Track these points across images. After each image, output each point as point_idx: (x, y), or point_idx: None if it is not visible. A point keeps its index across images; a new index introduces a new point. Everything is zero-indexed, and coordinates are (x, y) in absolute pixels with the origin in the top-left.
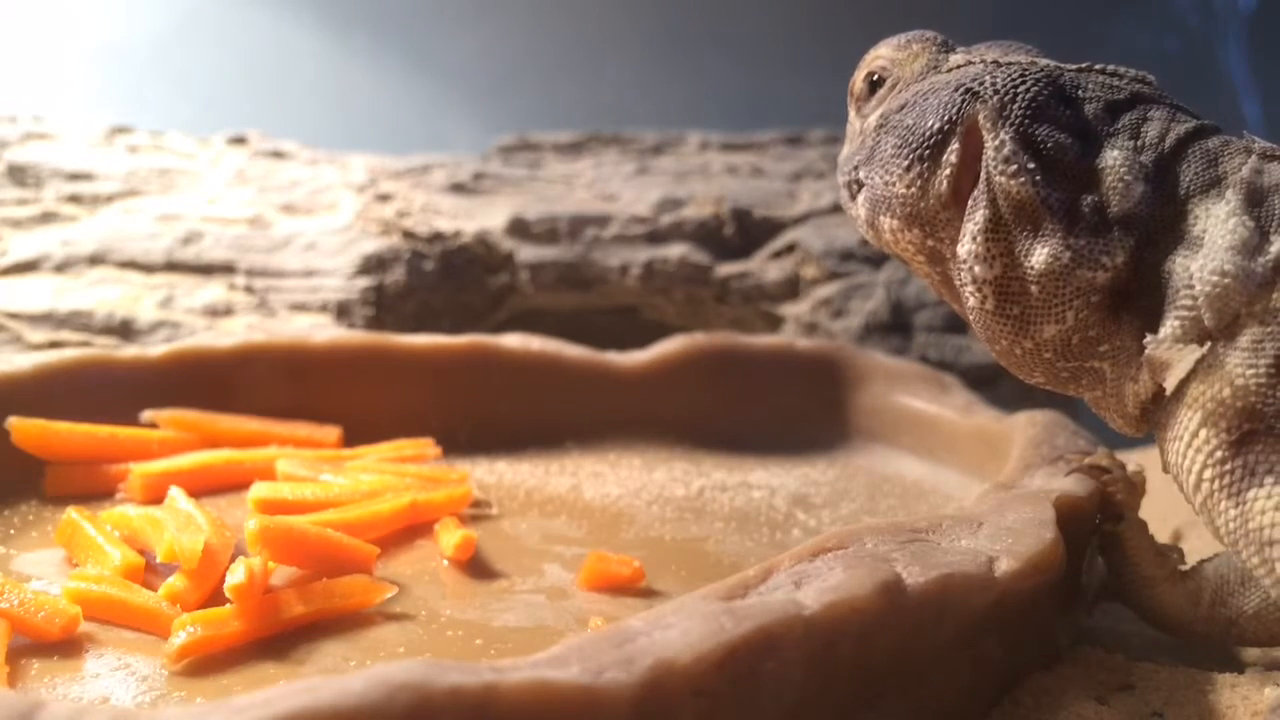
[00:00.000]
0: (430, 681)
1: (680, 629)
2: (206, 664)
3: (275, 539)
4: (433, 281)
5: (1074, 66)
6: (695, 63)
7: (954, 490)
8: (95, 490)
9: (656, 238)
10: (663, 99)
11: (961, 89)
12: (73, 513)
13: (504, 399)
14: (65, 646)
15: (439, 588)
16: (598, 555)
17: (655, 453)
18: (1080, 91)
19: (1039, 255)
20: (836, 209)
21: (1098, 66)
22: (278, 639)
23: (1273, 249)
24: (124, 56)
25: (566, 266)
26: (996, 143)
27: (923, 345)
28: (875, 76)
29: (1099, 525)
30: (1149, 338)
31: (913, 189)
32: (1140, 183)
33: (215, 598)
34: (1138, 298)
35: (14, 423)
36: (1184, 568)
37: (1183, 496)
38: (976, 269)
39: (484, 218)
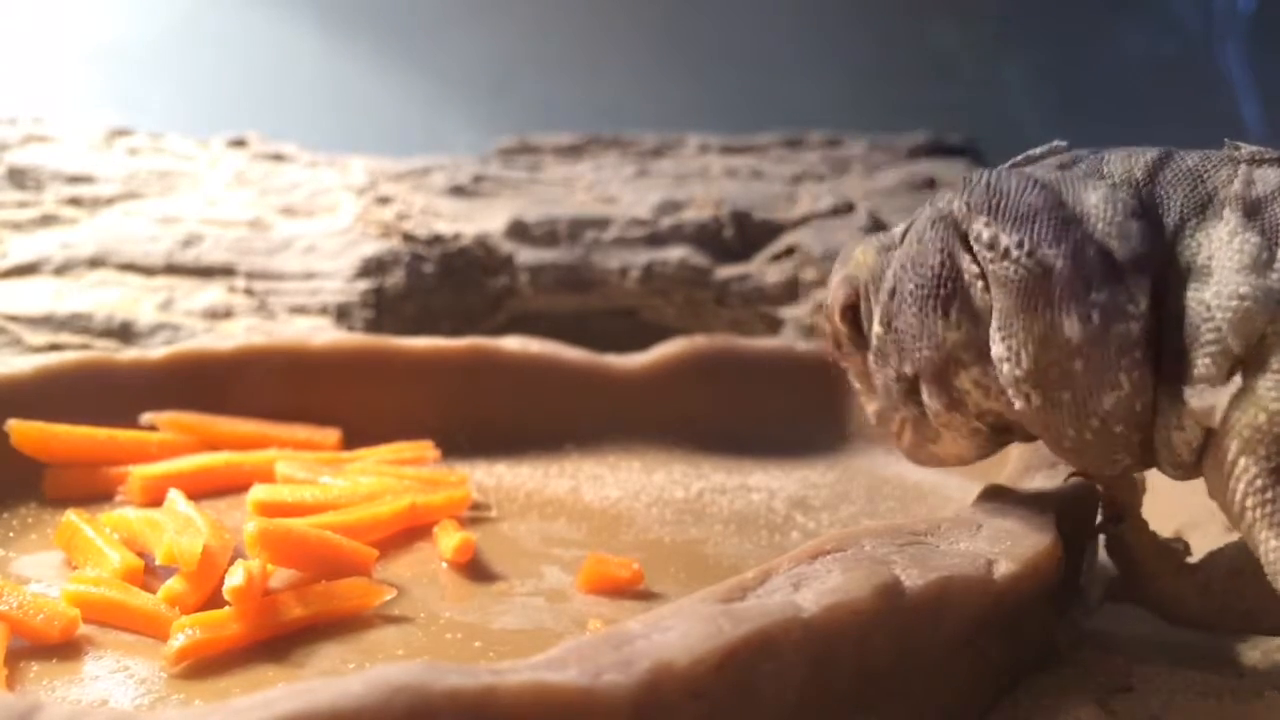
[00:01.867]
0: (429, 684)
1: (679, 631)
2: (205, 666)
3: (274, 541)
4: (432, 284)
5: (991, 169)
6: (695, 66)
7: (953, 493)
8: (94, 493)
9: (656, 240)
10: (662, 102)
11: (932, 224)
12: (72, 515)
13: (503, 401)
14: (64, 649)
15: (438, 590)
16: (597, 557)
17: (655, 455)
18: (1026, 166)
19: (1068, 327)
20: (836, 211)
21: (1010, 162)
22: (277, 641)
23: None
24: (124, 58)
25: (566, 269)
26: (975, 233)
27: None
28: (845, 308)
29: (1102, 526)
30: (1186, 390)
31: (963, 326)
32: (1132, 219)
33: (214, 600)
34: (1162, 342)
35: (13, 425)
36: (1191, 560)
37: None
38: (1008, 369)
39: (484, 220)
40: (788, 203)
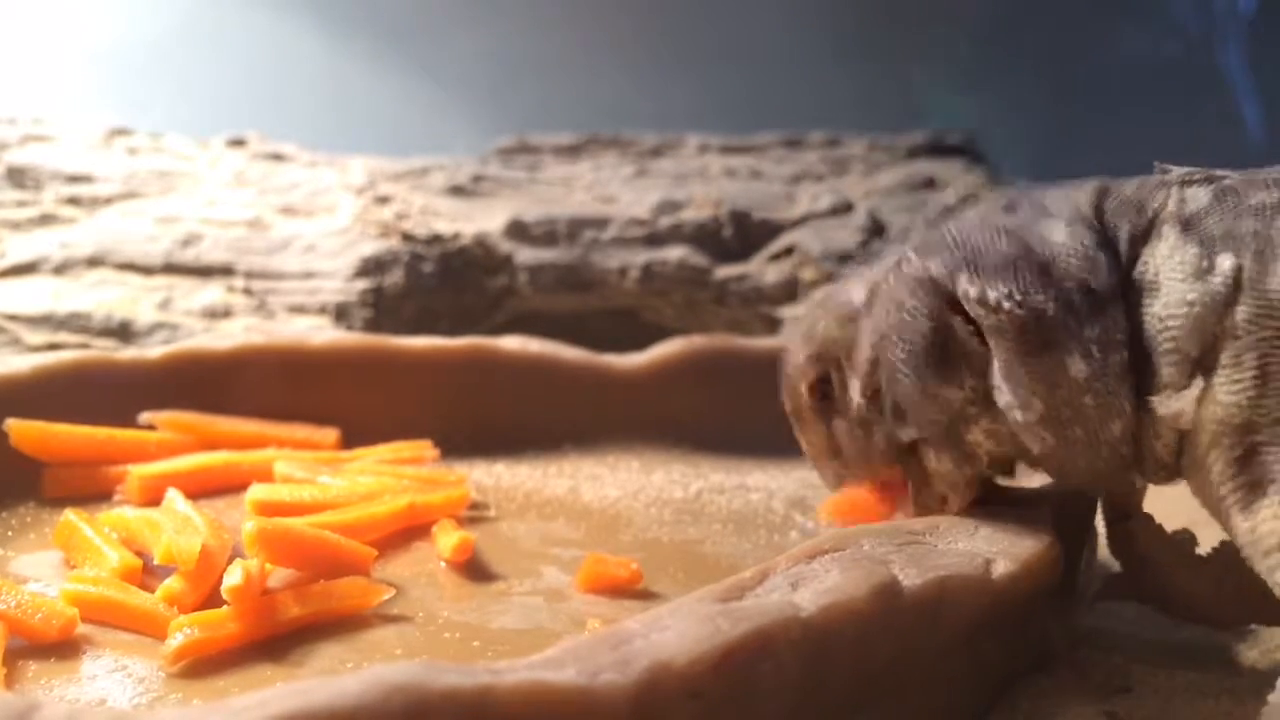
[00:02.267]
0: (426, 683)
1: (677, 631)
2: (203, 666)
3: (273, 541)
4: (431, 284)
5: (936, 230)
6: (694, 66)
7: None
8: (93, 492)
9: (655, 240)
10: (662, 102)
11: (906, 289)
12: (70, 514)
13: (502, 401)
14: (62, 648)
15: (436, 590)
16: (595, 557)
17: (653, 455)
18: (983, 218)
19: (1074, 367)
20: (835, 211)
21: (940, 214)
22: (275, 641)
23: (1222, 265)
24: (124, 58)
25: (565, 269)
26: (962, 292)
27: None
28: (815, 379)
29: (1109, 525)
30: (1154, 400)
31: (967, 384)
32: (1098, 250)
33: (213, 599)
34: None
35: (12, 424)
36: (1201, 552)
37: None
38: (1019, 416)
39: (483, 220)
40: (787, 203)
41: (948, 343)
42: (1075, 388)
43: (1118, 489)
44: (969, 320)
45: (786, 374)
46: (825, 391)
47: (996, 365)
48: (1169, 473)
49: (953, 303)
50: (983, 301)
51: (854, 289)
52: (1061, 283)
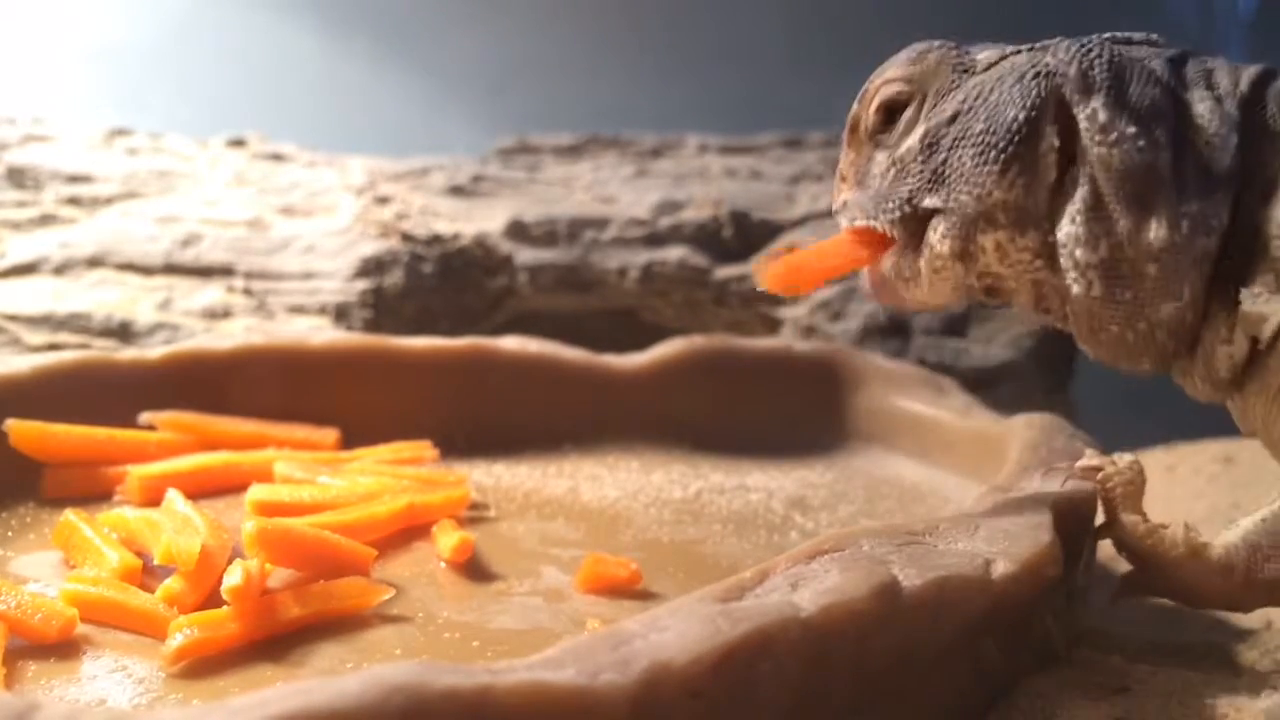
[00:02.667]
0: (426, 683)
1: (676, 631)
2: (203, 666)
3: (273, 541)
4: (431, 284)
5: (1097, 37)
6: (694, 66)
7: (952, 493)
8: (93, 492)
9: (655, 240)
10: (662, 102)
11: (1030, 74)
12: (70, 515)
13: (502, 401)
14: (62, 648)
15: (436, 590)
16: (595, 557)
17: (653, 455)
18: (1134, 52)
19: (1156, 230)
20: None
21: (1114, 35)
22: (275, 641)
23: None
24: (124, 58)
25: (565, 269)
26: (1089, 112)
27: (921, 348)
28: (891, 103)
29: (1104, 526)
30: (1244, 293)
31: (1015, 190)
32: (1233, 134)
33: (212, 600)
34: (1228, 255)
35: (12, 425)
36: (1203, 542)
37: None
38: (1079, 253)
39: (483, 220)
40: (786, 203)
41: (1028, 142)
42: (1146, 251)
43: (1129, 369)
44: (1062, 137)
45: (870, 81)
46: (891, 118)
47: (1080, 194)
48: (1217, 389)
49: (1060, 113)
50: (1105, 129)
51: (986, 51)
52: (1186, 152)
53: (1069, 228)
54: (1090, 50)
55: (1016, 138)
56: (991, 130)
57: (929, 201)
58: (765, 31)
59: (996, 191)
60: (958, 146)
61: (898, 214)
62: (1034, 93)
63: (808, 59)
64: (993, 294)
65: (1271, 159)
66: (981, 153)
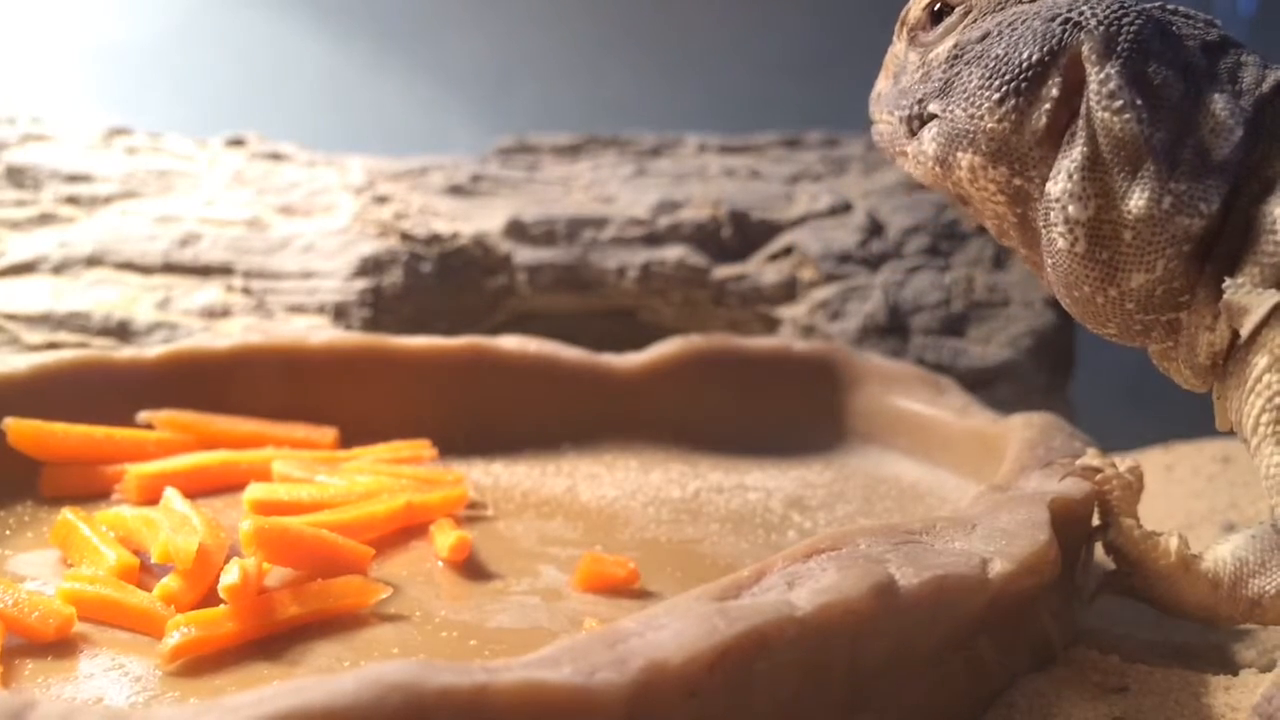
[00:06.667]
0: (422, 682)
1: (673, 630)
2: (200, 664)
3: (270, 540)
4: (430, 283)
5: (1155, 4)
6: (693, 66)
7: (950, 492)
8: (91, 491)
9: (654, 240)
10: (661, 102)
11: (1060, 19)
12: (68, 513)
13: (501, 401)
14: (59, 647)
15: (434, 589)
16: (593, 556)
17: (651, 454)
18: (1176, 29)
19: (1138, 199)
20: (834, 211)
21: (1170, 6)
22: (272, 640)
23: None
24: (123, 58)
25: (564, 268)
26: (1101, 76)
27: (919, 347)
28: (940, 4)
29: (1099, 529)
30: (1228, 282)
31: (1004, 123)
32: (1240, 127)
33: (210, 598)
34: (1219, 244)
35: (10, 423)
36: (1193, 554)
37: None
38: (1071, 209)
39: (482, 220)
40: (785, 202)
41: (1033, 84)
42: (1124, 217)
43: (1100, 333)
44: (1065, 90)
45: None
46: (937, 19)
47: (1077, 153)
48: (1196, 375)
49: (1071, 67)
50: (1113, 96)
51: None
52: (1183, 130)
53: (1064, 183)
54: (1124, 16)
55: (1022, 76)
56: (1006, 59)
57: (933, 107)
58: (765, 32)
59: (988, 119)
60: (974, 64)
61: (907, 113)
62: (1055, 39)
63: (808, 59)
64: (963, 203)
65: (1276, 159)
66: (989, 78)
